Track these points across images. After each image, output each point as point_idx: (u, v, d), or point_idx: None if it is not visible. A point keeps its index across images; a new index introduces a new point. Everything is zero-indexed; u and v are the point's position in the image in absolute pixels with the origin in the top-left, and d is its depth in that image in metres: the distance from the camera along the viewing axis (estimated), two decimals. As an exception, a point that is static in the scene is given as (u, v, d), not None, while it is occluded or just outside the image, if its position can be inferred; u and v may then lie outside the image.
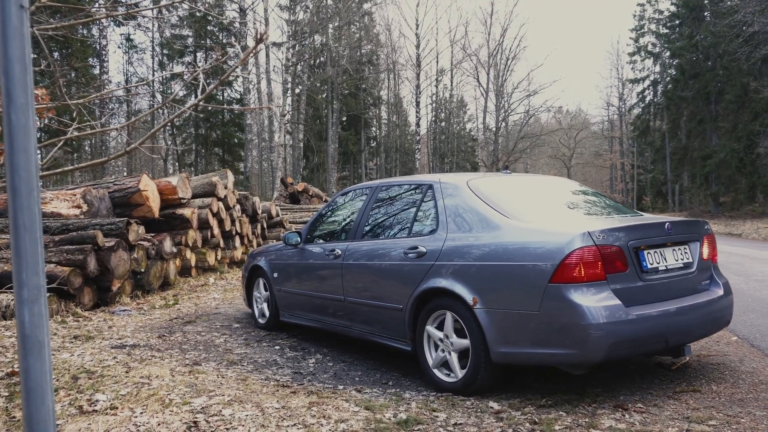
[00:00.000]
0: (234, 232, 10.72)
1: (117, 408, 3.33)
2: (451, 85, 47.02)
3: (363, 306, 4.62)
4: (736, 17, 25.26)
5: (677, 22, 39.44)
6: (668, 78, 40.40)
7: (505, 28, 46.30)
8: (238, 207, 10.92)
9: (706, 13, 35.69)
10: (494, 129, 39.01)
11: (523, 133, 40.73)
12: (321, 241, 5.40)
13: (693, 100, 35.16)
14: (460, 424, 3.18)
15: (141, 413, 3.25)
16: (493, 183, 4.35)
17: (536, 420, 3.18)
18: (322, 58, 36.98)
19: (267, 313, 5.99)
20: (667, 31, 41.38)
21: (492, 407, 3.46)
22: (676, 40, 38.22)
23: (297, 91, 35.16)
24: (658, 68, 43.92)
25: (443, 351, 3.91)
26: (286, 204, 19.36)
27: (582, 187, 4.93)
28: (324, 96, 38.20)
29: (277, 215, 12.93)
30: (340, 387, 4.03)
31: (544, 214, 3.98)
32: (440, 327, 3.95)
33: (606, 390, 3.74)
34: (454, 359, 3.83)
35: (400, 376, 4.37)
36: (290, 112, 34.21)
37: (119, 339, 5.27)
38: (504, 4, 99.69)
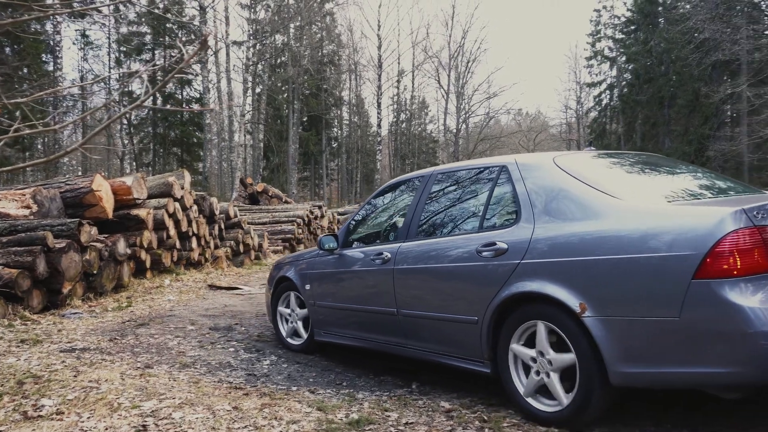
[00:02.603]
0: (191, 233, 10.58)
1: (63, 413, 3.27)
2: (413, 86, 47.27)
3: (422, 319, 3.85)
4: (687, 24, 26.00)
5: (632, 27, 40.36)
6: (624, 82, 41.33)
7: (466, 30, 46.82)
8: (195, 208, 10.78)
9: (660, 20, 36.64)
10: (455, 130, 39.35)
11: (483, 135, 41.20)
12: (362, 244, 4.66)
13: (647, 104, 36.07)
14: (411, 423, 3.22)
15: (88, 418, 3.20)
16: (584, 159, 3.61)
17: (485, 418, 3.24)
18: (283, 58, 36.76)
19: (303, 334, 5.16)
20: (623, 36, 42.31)
21: (443, 406, 3.50)
22: (632, 45, 39.14)
23: (258, 90, 34.89)
24: (614, 72, 44.86)
25: (538, 373, 3.14)
26: (246, 205, 19.19)
27: (683, 162, 4.19)
28: (285, 96, 37.95)
29: (235, 216, 12.81)
30: (294, 388, 4.02)
31: (663, 192, 3.24)
32: (530, 343, 3.21)
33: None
34: (555, 382, 3.05)
35: (355, 377, 4.39)
36: (250, 112, 33.93)
37: (69, 342, 5.15)
38: (465, 6, 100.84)
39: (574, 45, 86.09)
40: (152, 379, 4.00)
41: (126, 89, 28.31)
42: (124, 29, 33.70)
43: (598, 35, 45.99)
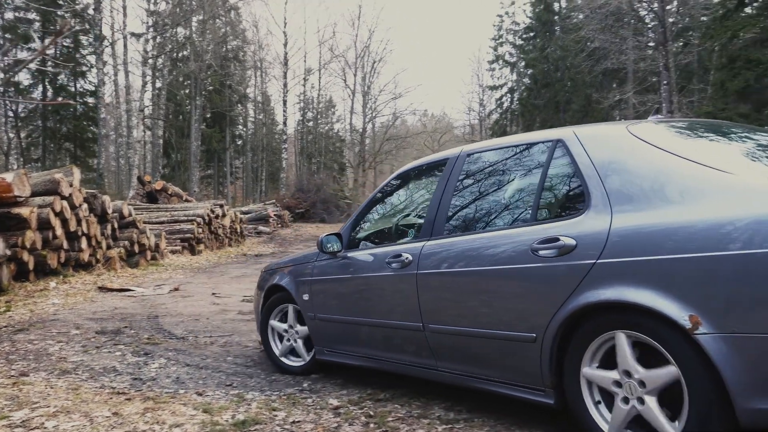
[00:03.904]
0: (80, 233, 10.05)
1: None
2: (320, 85, 47.12)
3: (458, 337, 3.11)
4: (580, 33, 27.43)
5: (532, 34, 42.09)
6: (523, 86, 43.04)
7: (372, 30, 47.15)
8: (85, 206, 10.25)
9: (556, 28, 38.45)
10: (361, 130, 39.57)
11: (388, 135, 41.67)
12: (371, 244, 3.97)
13: (545, 108, 37.76)
14: (298, 421, 3.22)
15: (-52, 431, 2.99)
16: (663, 128, 2.88)
17: (371, 413, 3.29)
18: (185, 52, 35.63)
19: (305, 355, 4.34)
20: (523, 42, 44.02)
21: (331, 404, 3.52)
22: (530, 51, 40.81)
23: (158, 85, 33.63)
24: (514, 76, 46.57)
25: (626, 401, 2.38)
26: (143, 203, 18.46)
27: (749, 125, 3.38)
28: (187, 91, 36.80)
29: (130, 215, 12.29)
30: (182, 391, 3.92)
31: None
32: (607, 363, 2.49)
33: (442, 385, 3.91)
34: (653, 411, 2.29)
35: (246, 377, 4.33)
36: (150, 107, 32.66)
37: (-66, 351, 4.78)
38: (371, 7, 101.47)
39: (477, 49, 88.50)
40: (26, 388, 3.78)
41: (12, 79, 26.49)
42: (9, 15, 31.52)
43: (500, 40, 47.58)
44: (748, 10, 21.78)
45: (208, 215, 16.16)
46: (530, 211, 2.89)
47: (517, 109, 43.81)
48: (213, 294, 8.57)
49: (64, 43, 30.89)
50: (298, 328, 4.38)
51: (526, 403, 2.81)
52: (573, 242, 2.55)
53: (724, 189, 2.25)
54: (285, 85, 37.51)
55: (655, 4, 22.25)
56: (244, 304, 7.60)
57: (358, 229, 4.10)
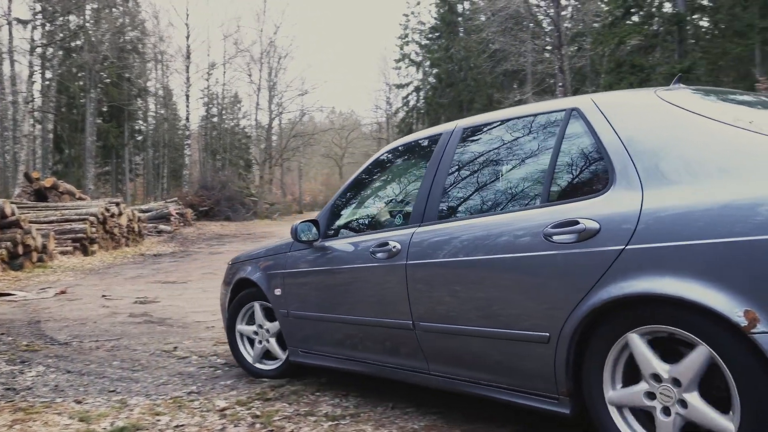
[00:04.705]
0: (-45, 234, 9.34)
1: None
2: (224, 79, 46.01)
3: (454, 337, 2.72)
4: (482, 35, 28.29)
5: (437, 34, 42.98)
6: (429, 85, 43.85)
7: (278, 26, 46.54)
8: (-40, 205, 9.53)
9: (460, 29, 39.43)
10: (267, 126, 39.02)
11: (295, 132, 41.32)
12: (353, 232, 3.56)
13: (449, 107, 38.66)
14: (182, 425, 3.13)
15: None
16: (696, 94, 2.56)
17: (258, 414, 3.25)
18: (78, 42, 33.77)
19: (281, 354, 3.93)
20: (428, 42, 44.86)
21: (218, 405, 3.44)
22: (435, 51, 41.66)
23: (48, 75, 31.71)
24: (420, 75, 47.38)
25: (666, 411, 2.02)
26: (31, 201, 17.35)
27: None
28: (81, 84, 34.90)
29: (13, 214, 11.51)
30: (59, 400, 3.70)
31: None
32: (629, 378, 2.16)
33: (330, 380, 3.91)
34: (700, 409, 1.94)
35: (132, 382, 4.15)
36: (37, 99, 30.75)
37: None
38: (277, 1, 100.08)
39: (384, 47, 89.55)
40: None
41: None
42: None
43: (407, 39, 48.24)
44: (635, 18, 23.22)
45: (103, 214, 15.40)
46: (541, 191, 2.49)
47: (423, 108, 44.58)
48: (103, 296, 8.18)
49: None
50: (269, 325, 3.97)
51: (411, 394, 2.84)
52: (596, 225, 2.17)
53: None
54: (188, 79, 36.39)
55: (552, 10, 23.26)
56: (136, 306, 7.30)
57: (337, 214, 3.67)
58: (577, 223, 2.22)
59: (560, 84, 23.11)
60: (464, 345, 2.69)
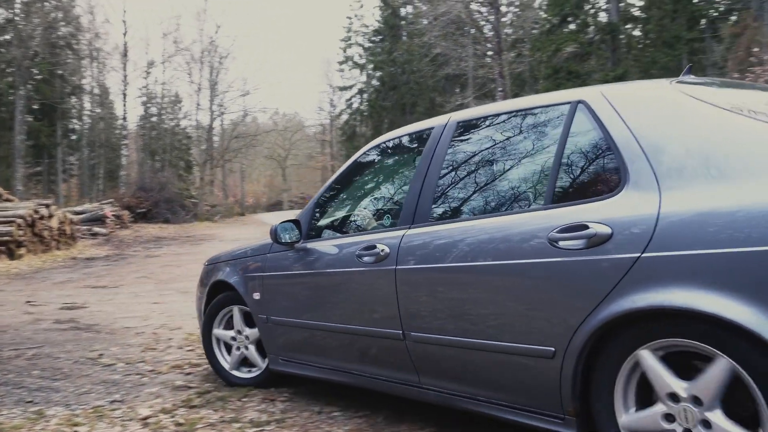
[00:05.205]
0: None
1: None
2: (164, 78, 44.96)
3: (449, 348, 2.52)
4: (424, 39, 28.57)
5: (380, 37, 43.14)
6: (372, 88, 43.97)
7: (219, 25, 45.82)
8: None
9: (403, 32, 39.71)
10: (208, 127, 38.35)
11: (237, 132, 40.74)
12: (337, 233, 3.36)
13: (392, 109, 38.89)
14: (100, 436, 3.04)
15: None
16: (717, 87, 2.45)
17: (181, 422, 3.19)
18: (7, 36, 32.36)
19: (260, 362, 3.75)
20: (372, 45, 44.99)
21: (141, 414, 3.36)
22: (379, 54, 41.82)
23: (-27, 71, 30.26)
24: (364, 78, 47.47)
25: None
26: (-47, 203, 16.51)
27: None
28: (9, 80, 33.44)
29: (-68, 216, 10.96)
30: (-30, 412, 3.54)
31: None
32: (643, 400, 1.97)
33: (258, 385, 3.86)
34: (725, 428, 1.75)
35: (52, 392, 4.00)
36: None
37: None
38: (218, 1, 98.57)
39: (327, 49, 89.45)
40: None
41: None
42: None
43: (350, 42, 48.27)
44: (571, 26, 23.93)
45: (32, 216, 14.78)
46: (544, 191, 2.29)
47: (366, 110, 44.66)
48: (28, 302, 7.85)
49: None
50: (248, 331, 3.76)
51: (339, 398, 2.81)
52: (608, 230, 1.98)
53: None
54: (125, 77, 35.36)
55: (492, 17, 23.70)
56: (62, 312, 7.05)
57: (321, 214, 3.45)
58: (587, 227, 2.02)
59: (500, 89, 23.55)
60: (459, 358, 2.49)
